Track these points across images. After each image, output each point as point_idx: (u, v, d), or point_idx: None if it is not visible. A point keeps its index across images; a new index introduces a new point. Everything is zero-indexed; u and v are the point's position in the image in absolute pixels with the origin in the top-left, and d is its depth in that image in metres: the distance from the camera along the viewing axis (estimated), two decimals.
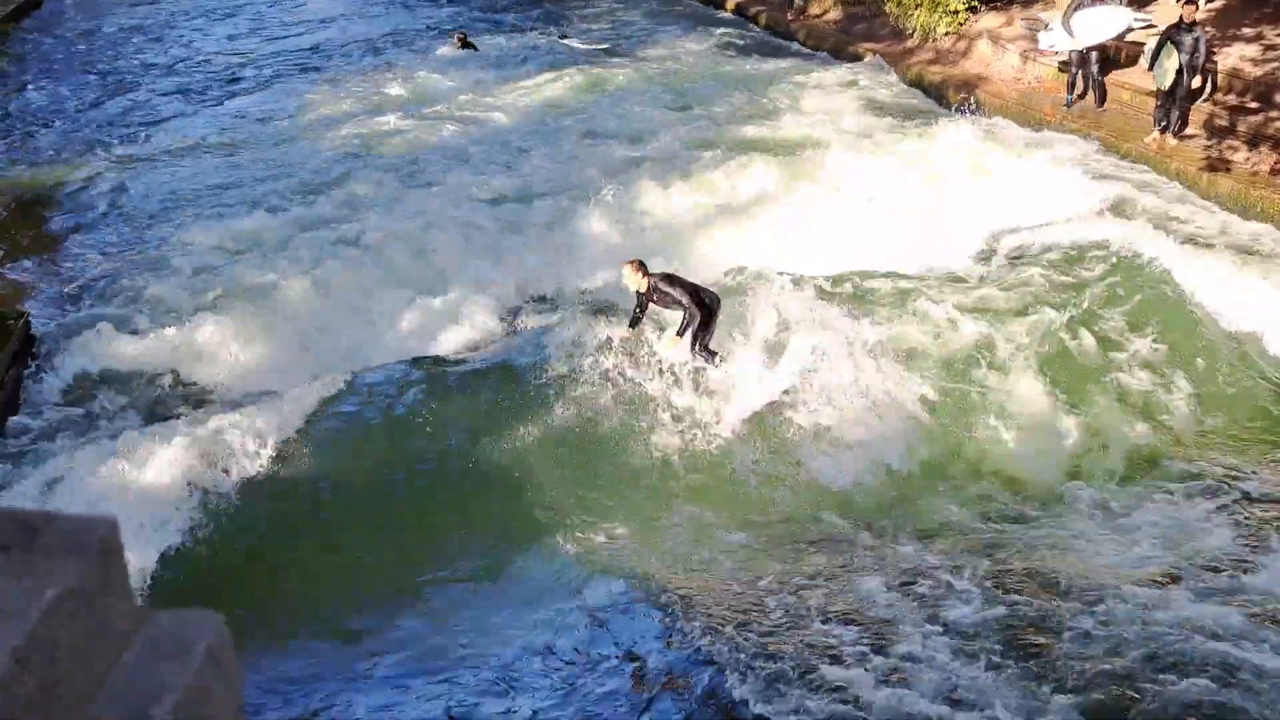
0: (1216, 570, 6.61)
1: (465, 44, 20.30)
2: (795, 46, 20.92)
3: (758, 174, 13.08)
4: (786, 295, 9.40)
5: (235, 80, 20.29)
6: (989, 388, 8.78)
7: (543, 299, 11.05)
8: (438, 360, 9.64)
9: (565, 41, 21.22)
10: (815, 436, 8.36)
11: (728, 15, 24.27)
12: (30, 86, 19.62)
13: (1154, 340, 9.17)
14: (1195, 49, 12.68)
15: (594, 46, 20.77)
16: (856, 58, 19.26)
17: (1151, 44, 13.44)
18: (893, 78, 17.99)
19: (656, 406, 8.50)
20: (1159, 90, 13.11)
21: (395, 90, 18.32)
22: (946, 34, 18.14)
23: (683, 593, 6.71)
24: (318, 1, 26.89)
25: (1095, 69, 14.57)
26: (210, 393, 9.42)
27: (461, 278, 11.03)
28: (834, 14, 21.48)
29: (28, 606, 1.12)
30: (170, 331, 9.84)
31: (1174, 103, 13.08)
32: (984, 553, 7.03)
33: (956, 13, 17.98)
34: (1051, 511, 7.68)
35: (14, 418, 8.80)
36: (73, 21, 25.66)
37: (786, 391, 8.56)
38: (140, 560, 6.80)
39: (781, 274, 9.81)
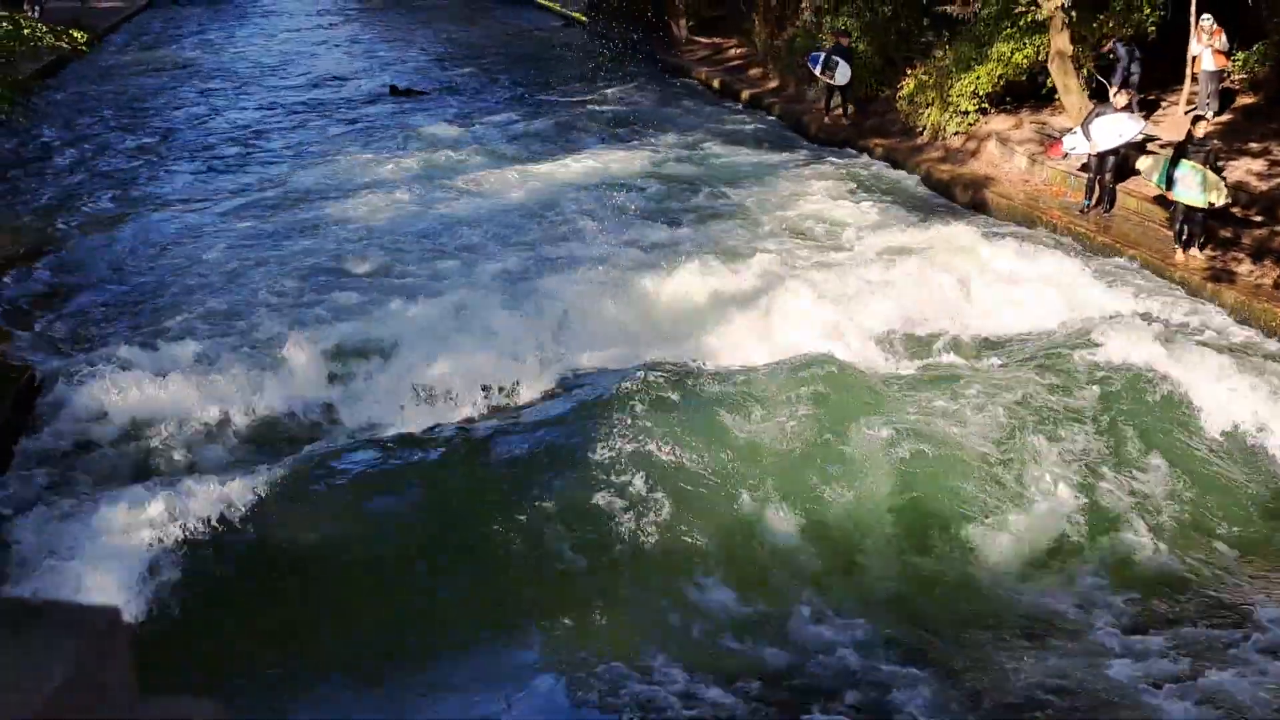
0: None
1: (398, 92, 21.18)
2: (805, 139, 21.23)
3: (752, 265, 13.09)
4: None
5: (250, 142, 20.62)
6: (968, 488, 8.74)
7: (546, 375, 11.00)
8: (434, 430, 9.63)
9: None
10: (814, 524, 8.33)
11: (740, 106, 24.69)
12: (50, 140, 19.89)
13: (1150, 449, 9.19)
14: (1208, 164, 12.83)
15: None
16: (866, 153, 19.53)
17: (1151, 160, 13.69)
18: (901, 174, 18.21)
19: (669, 488, 8.47)
20: (1184, 206, 13.12)
21: (408, 159, 18.65)
22: (956, 133, 18.41)
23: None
24: (336, 63, 27.44)
25: (1109, 175, 14.80)
26: (208, 450, 9.37)
27: (463, 349, 11.00)
28: (824, 103, 21.82)
29: (31, 689, 1.11)
30: (171, 388, 9.81)
31: (1199, 218, 13.15)
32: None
33: (967, 113, 18.25)
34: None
35: (6, 474, 8.76)
36: (96, 82, 26.15)
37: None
38: (126, 620, 6.70)
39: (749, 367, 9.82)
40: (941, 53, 19.10)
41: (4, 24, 15.58)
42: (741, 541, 8.23)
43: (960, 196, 16.77)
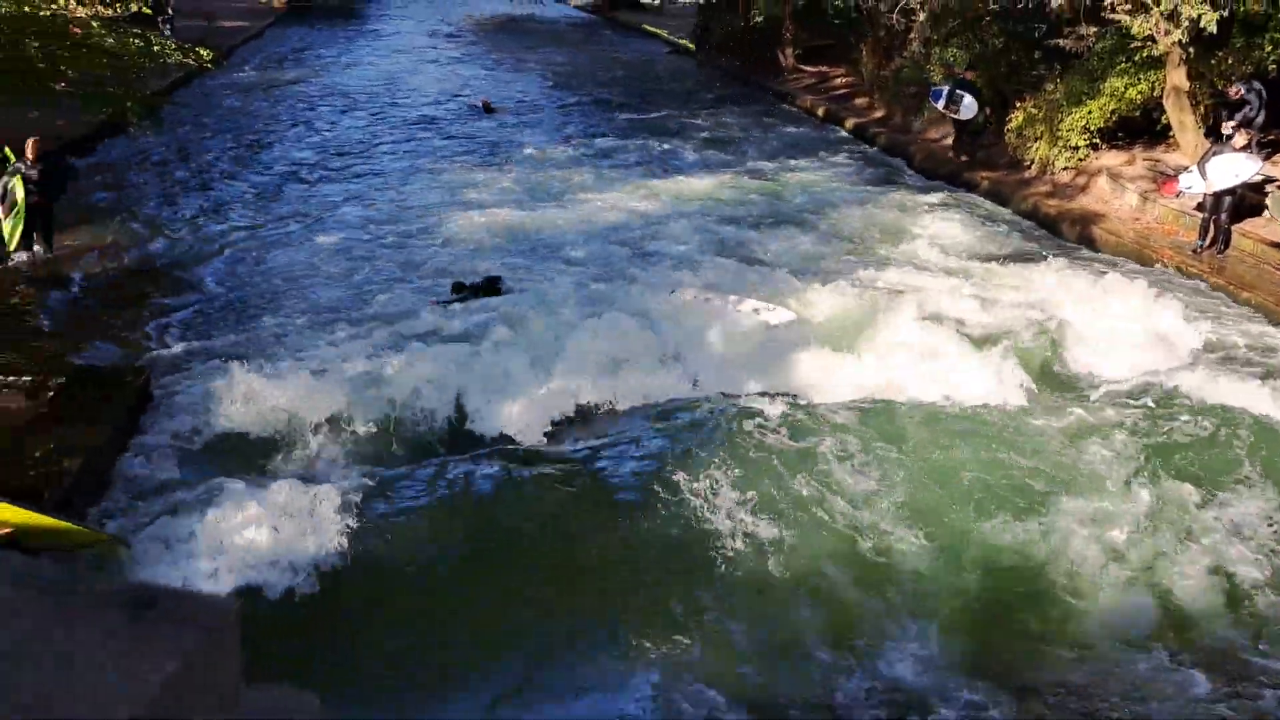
0: None
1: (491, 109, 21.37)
2: (910, 169, 21.09)
3: (853, 298, 12.97)
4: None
5: (358, 156, 21.22)
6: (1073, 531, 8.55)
7: (647, 398, 11.04)
8: (543, 443, 9.78)
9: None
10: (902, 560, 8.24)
11: (845, 134, 24.63)
12: (172, 151, 20.65)
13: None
14: None
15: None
16: (971, 185, 19.32)
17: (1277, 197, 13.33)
18: (1007, 209, 17.97)
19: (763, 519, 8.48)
20: None
21: (511, 177, 19.01)
22: (1065, 168, 18.11)
23: None
24: (442, 82, 28.05)
25: (1225, 216, 14.43)
26: (313, 454, 9.58)
27: (564, 368, 11.11)
28: (952, 139, 21.62)
29: (149, 673, 1.20)
30: (279, 392, 10.06)
31: None
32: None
33: (1077, 148, 17.95)
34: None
35: (126, 470, 9.11)
36: (219, 97, 27.10)
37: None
38: (236, 614, 6.91)
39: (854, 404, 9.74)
40: (1052, 86, 18.83)
41: (136, 40, 16.21)
42: (834, 578, 8.16)
43: (1068, 232, 16.49)
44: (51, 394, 9.83)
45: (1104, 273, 14.10)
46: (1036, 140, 18.63)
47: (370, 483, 8.64)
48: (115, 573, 7.42)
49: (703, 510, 8.61)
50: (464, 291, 12.98)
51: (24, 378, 10.27)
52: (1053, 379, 11.42)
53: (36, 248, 13.76)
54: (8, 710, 0.74)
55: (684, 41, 40.37)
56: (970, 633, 7.75)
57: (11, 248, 13.36)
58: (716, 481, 8.88)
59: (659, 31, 45.42)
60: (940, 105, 20.40)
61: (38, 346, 11.34)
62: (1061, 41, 18.26)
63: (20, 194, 13.17)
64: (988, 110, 20.40)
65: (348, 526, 8.06)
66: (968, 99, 19.81)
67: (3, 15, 14.38)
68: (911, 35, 22.52)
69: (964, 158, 20.39)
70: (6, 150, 13.55)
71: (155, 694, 1.15)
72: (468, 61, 36.85)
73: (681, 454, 9.32)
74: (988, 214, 17.67)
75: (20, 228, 13.27)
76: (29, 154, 13.55)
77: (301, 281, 13.88)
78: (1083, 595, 8.06)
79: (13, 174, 13.25)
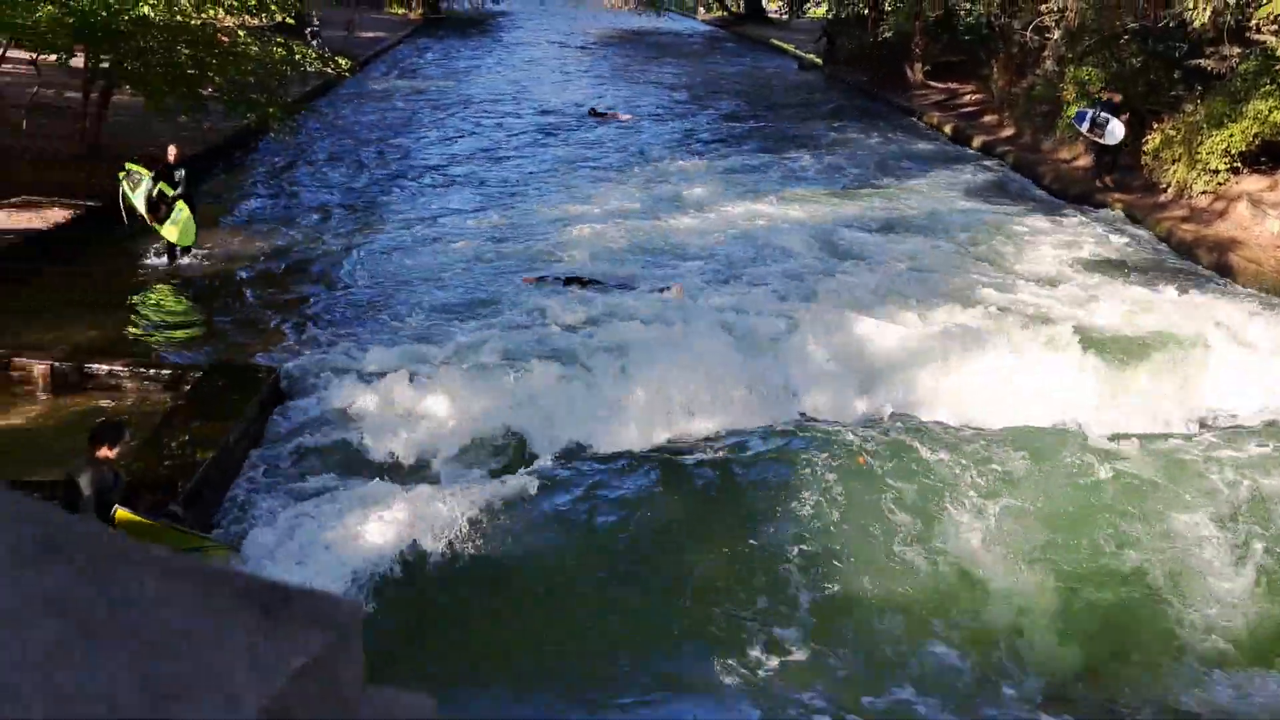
0: None
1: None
2: (1040, 190, 20.64)
3: (979, 320, 12.69)
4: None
5: (483, 161, 21.62)
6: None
7: (763, 410, 11.02)
8: (662, 454, 9.86)
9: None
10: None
11: (973, 151, 24.24)
12: (307, 156, 21.32)
13: None
14: None
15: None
16: (1104, 207, 18.83)
17: None
18: (1141, 232, 17.47)
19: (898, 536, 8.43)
20: None
21: (633, 185, 19.19)
22: (1203, 192, 17.53)
23: None
24: (569, 92, 28.45)
25: None
26: (437, 455, 9.78)
27: (683, 376, 11.16)
28: (1085, 160, 21.10)
29: (279, 667, 1.28)
30: (407, 397, 10.31)
31: None
32: None
33: (1216, 172, 17.35)
34: None
35: (254, 465, 9.47)
36: (354, 104, 27.93)
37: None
38: (361, 613, 7.12)
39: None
40: (1192, 107, 18.25)
41: (279, 49, 16.87)
42: (946, 604, 8.06)
43: (1204, 259, 15.94)
44: (189, 387, 10.27)
45: (1241, 302, 13.61)
46: (1174, 162, 18.07)
47: (486, 487, 8.82)
48: (253, 569, 7.72)
49: (811, 529, 8.58)
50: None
51: (164, 371, 10.76)
52: (1183, 410, 11.06)
53: (180, 259, 14.06)
54: (145, 695, 0.81)
55: (810, 56, 40.20)
56: (1079, 677, 7.58)
57: (191, 240, 13.78)
58: (828, 500, 8.85)
59: (785, 46, 45.29)
60: (1084, 128, 19.54)
61: (178, 341, 11.85)
62: (1203, 62, 17.70)
63: (171, 192, 13.58)
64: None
65: (464, 530, 8.25)
66: (1114, 123, 18.87)
67: (157, 24, 15.08)
68: (1045, 53, 22.06)
69: (1106, 184, 19.41)
70: (129, 165, 13.87)
71: (283, 688, 1.23)
72: (592, 72, 37.32)
73: (793, 471, 9.30)
74: (1120, 236, 17.20)
75: (191, 227, 13.65)
76: (170, 158, 13.92)
77: (426, 284, 14.20)
78: (1201, 642, 7.81)
79: (157, 178, 13.61)
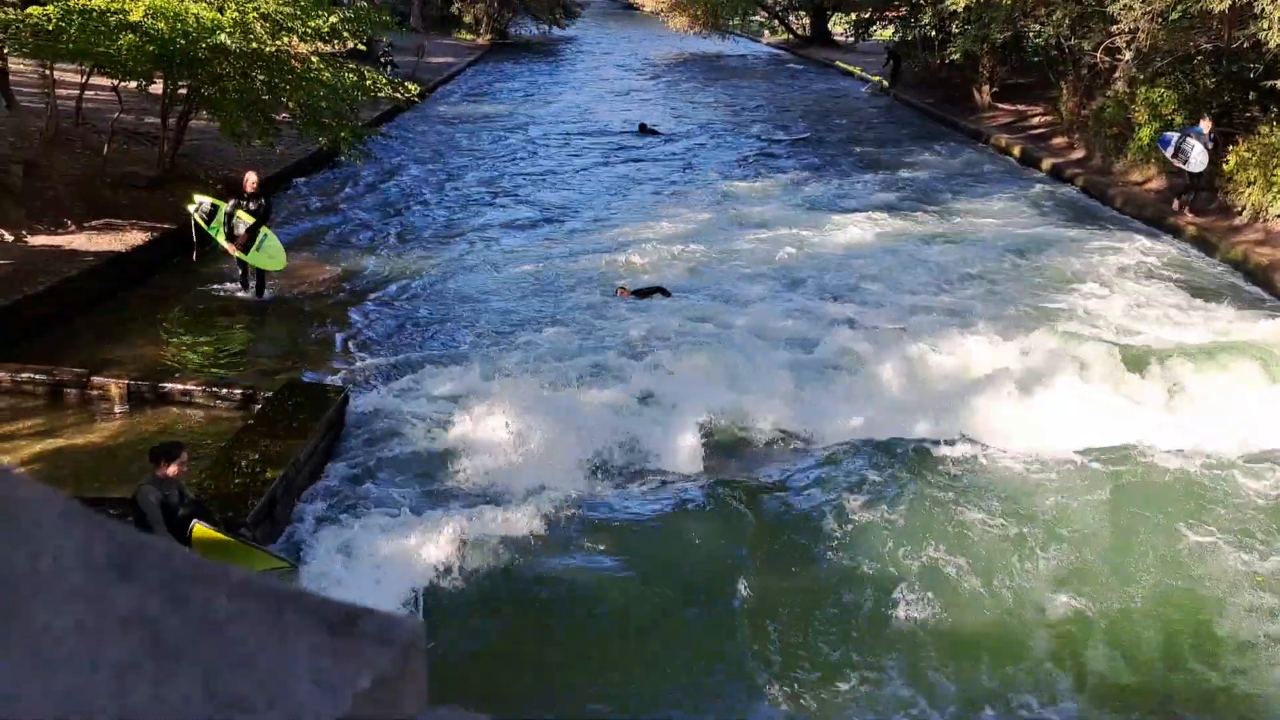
0: None
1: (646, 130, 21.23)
2: (1110, 212, 20.34)
3: (1046, 344, 12.49)
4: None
5: (546, 182, 21.84)
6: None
7: (827, 433, 10.94)
8: (722, 477, 9.84)
9: None
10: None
11: (1042, 174, 23.96)
12: (376, 180, 21.64)
13: None
14: None
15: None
16: (1176, 231, 18.50)
17: None
18: (1214, 256, 17.13)
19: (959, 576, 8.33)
20: None
21: (696, 205, 19.23)
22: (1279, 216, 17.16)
23: None
24: (633, 114, 28.63)
25: None
26: (496, 481, 9.84)
27: (743, 399, 11.14)
28: (1156, 183, 20.78)
29: (344, 687, 1.30)
30: (471, 418, 10.41)
31: None
32: None
33: None
34: None
35: (322, 485, 9.60)
36: (423, 128, 28.32)
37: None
38: (425, 634, 7.18)
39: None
40: (1268, 129, 17.88)
41: (351, 75, 17.18)
42: (1005, 637, 7.94)
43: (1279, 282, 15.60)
44: (259, 406, 10.45)
45: None
46: (1249, 185, 17.71)
47: (546, 509, 8.84)
48: (318, 588, 7.82)
49: (869, 557, 8.50)
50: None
51: (236, 390, 10.96)
52: (1250, 451, 10.78)
53: (251, 287, 14.01)
54: (215, 714, 0.83)
55: (876, 77, 40.03)
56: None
57: (281, 265, 13.80)
58: (886, 528, 8.77)
59: (851, 68, 45.13)
60: (1168, 153, 18.85)
61: (250, 360, 12.07)
62: (1279, 83, 17.35)
63: (249, 220, 13.47)
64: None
65: (523, 553, 8.29)
66: (1198, 149, 18.21)
67: (234, 52, 15.43)
68: (1116, 74, 21.74)
69: (1185, 211, 18.78)
70: (212, 200, 13.87)
71: (349, 708, 1.25)
72: (655, 94, 37.51)
73: (854, 496, 9.23)
74: (1193, 260, 16.89)
75: (280, 254, 13.66)
76: (248, 188, 13.75)
77: (490, 304, 14.35)
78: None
79: (233, 208, 13.51)
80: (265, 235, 13.52)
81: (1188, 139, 18.35)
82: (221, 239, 13.59)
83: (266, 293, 14.06)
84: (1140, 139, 21.20)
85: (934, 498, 9.19)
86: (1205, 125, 18.46)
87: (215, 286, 14.27)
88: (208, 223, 13.67)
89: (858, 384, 11.68)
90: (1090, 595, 8.15)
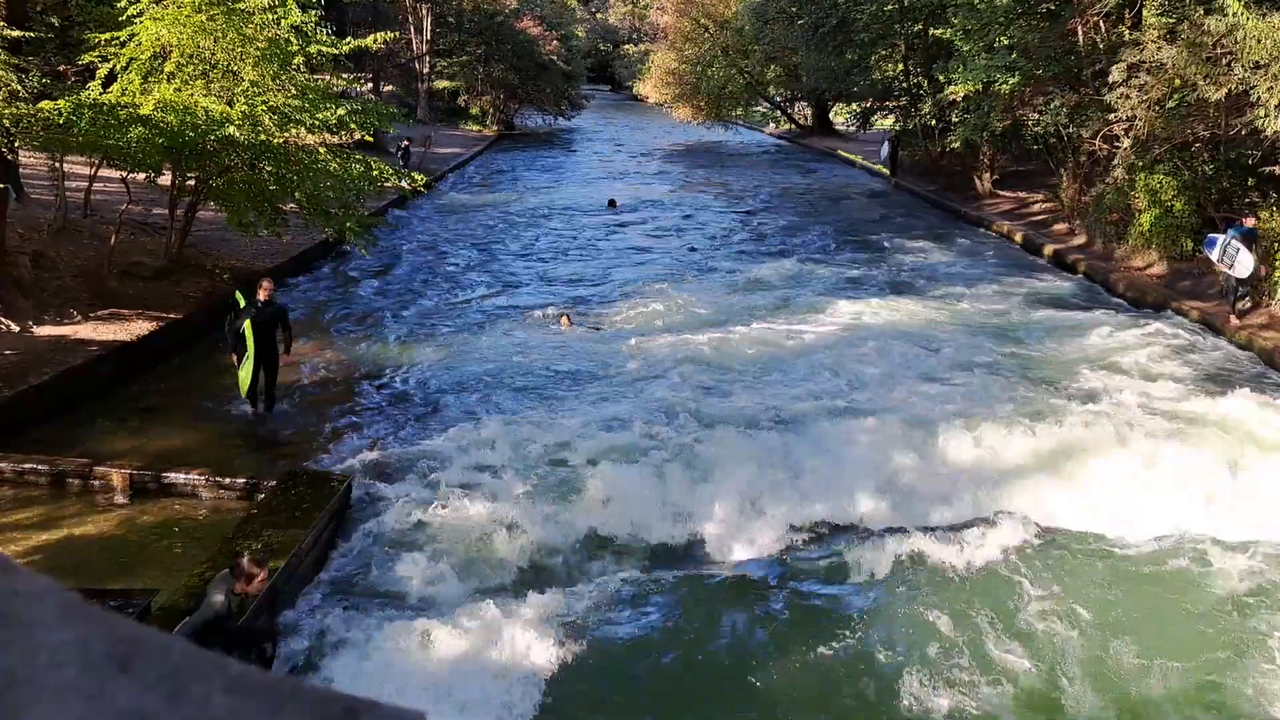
0: None
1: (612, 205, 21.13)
2: (1112, 298, 20.42)
3: (1055, 427, 12.44)
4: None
5: (556, 273, 21.93)
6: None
7: (838, 520, 10.88)
8: (746, 561, 9.77)
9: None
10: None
11: (1044, 261, 24.11)
12: (380, 267, 21.79)
13: None
14: None
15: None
16: (1179, 314, 18.54)
17: None
18: (1220, 339, 17.13)
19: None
20: None
21: (694, 292, 19.28)
22: (1224, 281, 17.21)
23: None
24: (632, 204, 28.95)
25: None
26: (502, 569, 9.74)
27: (760, 486, 11.08)
28: (1158, 268, 20.90)
29: None
30: (477, 506, 10.35)
31: None
32: None
33: None
34: None
35: (326, 574, 9.50)
36: (427, 217, 28.63)
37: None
38: None
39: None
40: (1268, 214, 18.02)
41: (358, 166, 17.38)
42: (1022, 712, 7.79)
43: None
44: (263, 496, 10.38)
45: None
46: None
47: (554, 599, 8.74)
48: (322, 679, 7.69)
49: (892, 644, 8.37)
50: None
51: (239, 479, 10.91)
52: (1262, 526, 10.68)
53: (260, 408, 12.99)
54: None
55: (880, 167, 40.55)
56: None
57: (243, 392, 12.69)
58: (907, 614, 8.64)
59: (852, 157, 45.75)
60: (1213, 256, 17.82)
61: (253, 449, 12.01)
62: (1277, 169, 17.52)
63: (251, 341, 12.38)
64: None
65: (529, 644, 8.15)
66: (1244, 253, 17.09)
67: (242, 144, 15.65)
68: (1115, 161, 22.00)
69: (1235, 318, 17.52)
70: (238, 294, 12.89)
71: None
72: (657, 183, 37.90)
73: (873, 583, 9.13)
74: (1199, 344, 16.87)
75: (250, 377, 12.51)
76: (261, 295, 12.62)
77: (494, 388, 14.32)
78: None
79: (243, 315, 12.44)
80: (248, 356, 12.38)
81: (1233, 242, 17.36)
82: (228, 339, 12.71)
83: (249, 409, 13.02)
84: (1141, 225, 21.36)
85: (948, 582, 9.07)
86: (1249, 222, 17.61)
87: (221, 374, 13.68)
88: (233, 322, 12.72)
89: (868, 469, 11.60)
90: (1109, 684, 8.00)
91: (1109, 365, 15.52)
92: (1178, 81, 18.82)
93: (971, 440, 12.15)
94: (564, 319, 17.04)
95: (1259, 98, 16.37)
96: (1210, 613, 8.83)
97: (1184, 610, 8.88)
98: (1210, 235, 18.34)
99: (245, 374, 12.54)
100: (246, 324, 12.35)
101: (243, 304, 12.56)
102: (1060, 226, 26.27)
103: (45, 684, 0.67)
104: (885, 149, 38.37)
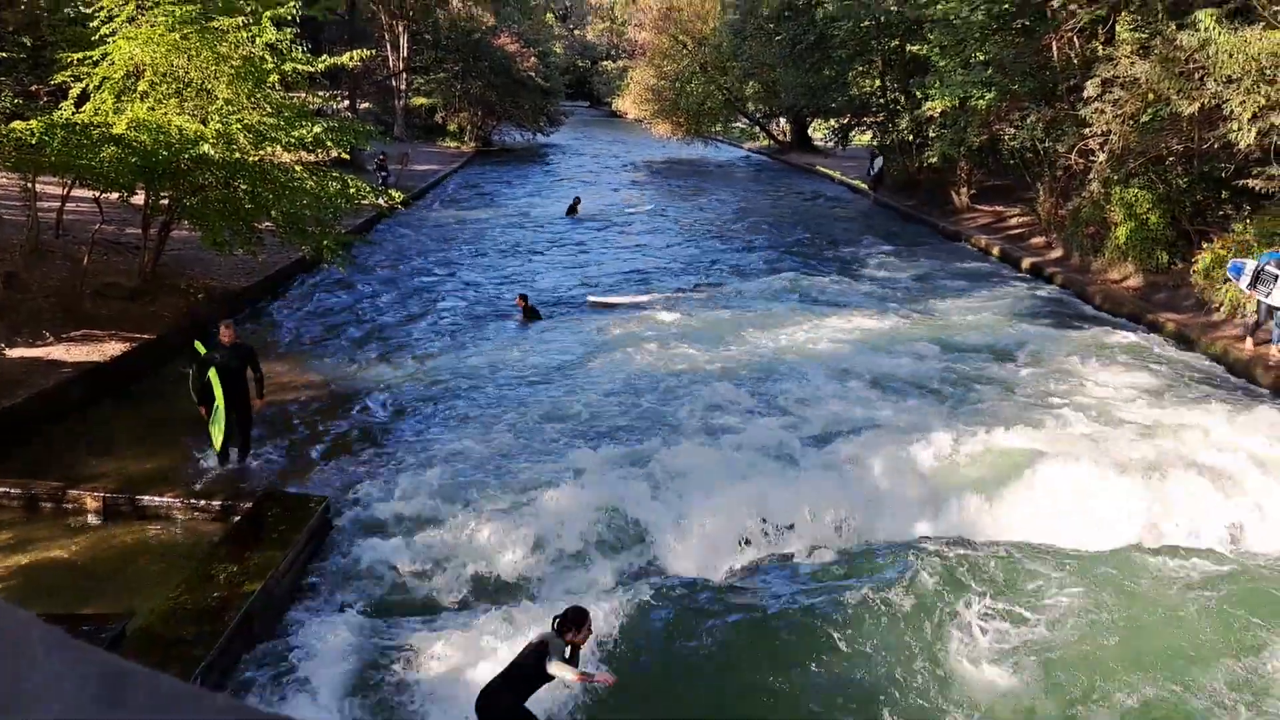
0: None
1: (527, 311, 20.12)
2: (1089, 310, 20.54)
3: (1035, 437, 12.53)
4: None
5: (516, 281, 21.81)
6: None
7: (822, 536, 10.83)
8: (720, 582, 9.70)
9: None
10: None
11: (1022, 274, 24.23)
12: (359, 285, 21.67)
13: None
14: None
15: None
16: (1155, 327, 18.64)
17: None
18: (1194, 352, 17.22)
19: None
20: None
21: (678, 308, 19.22)
22: (1256, 311, 17.31)
23: None
24: (606, 221, 28.96)
25: None
26: (486, 593, 9.66)
27: (739, 503, 11.01)
28: (1134, 280, 21.02)
29: None
30: (454, 528, 10.28)
31: None
32: None
33: None
34: None
35: (302, 595, 9.37)
36: (405, 234, 28.53)
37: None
38: None
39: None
40: (1241, 227, 18.15)
41: (335, 184, 17.28)
42: None
43: (1262, 379, 15.66)
44: (238, 518, 10.25)
45: None
46: (1226, 282, 17.91)
47: (533, 620, 8.63)
48: (301, 703, 7.58)
49: (871, 655, 8.32)
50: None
51: (214, 501, 10.77)
52: (1242, 544, 10.71)
53: (232, 457, 11.93)
54: None
55: (859, 182, 40.74)
56: None
57: (215, 447, 11.70)
58: (889, 624, 8.59)
59: (831, 172, 45.96)
60: (1242, 284, 16.72)
61: (229, 471, 11.85)
62: (1250, 182, 17.67)
63: (219, 391, 11.50)
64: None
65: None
66: None
67: (216, 162, 15.54)
68: (1090, 175, 22.15)
69: (1251, 344, 16.65)
70: (196, 344, 11.92)
71: None
72: (635, 196, 37.92)
73: (846, 599, 9.07)
74: (1174, 357, 16.96)
75: (222, 431, 11.57)
76: (223, 339, 11.71)
77: (471, 407, 14.24)
78: None
79: (205, 365, 11.52)
80: (217, 406, 11.48)
81: (1266, 267, 16.17)
82: (194, 394, 11.71)
83: (251, 460, 12.15)
84: (1117, 238, 21.49)
85: (930, 594, 9.03)
86: None
87: (199, 459, 12.16)
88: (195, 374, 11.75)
89: (849, 485, 11.57)
90: (1089, 693, 7.97)
91: (1083, 377, 15.58)
92: (1151, 96, 18.95)
93: (945, 453, 12.17)
94: (520, 299, 19.22)
95: (1231, 112, 16.49)
96: (1174, 621, 8.81)
97: (1149, 619, 8.86)
98: (1235, 261, 17.18)
99: (218, 430, 11.57)
100: (211, 373, 11.45)
101: (204, 352, 11.65)
102: (1037, 240, 26.42)
103: (35, 715, 0.65)
104: (878, 164, 38.33)
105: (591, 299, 20.54)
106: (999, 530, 10.68)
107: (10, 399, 12.35)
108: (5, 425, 11.97)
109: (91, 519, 10.51)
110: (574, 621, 7.41)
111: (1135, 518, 10.86)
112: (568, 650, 7.32)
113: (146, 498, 10.72)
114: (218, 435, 11.58)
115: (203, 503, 10.78)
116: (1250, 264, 16.49)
